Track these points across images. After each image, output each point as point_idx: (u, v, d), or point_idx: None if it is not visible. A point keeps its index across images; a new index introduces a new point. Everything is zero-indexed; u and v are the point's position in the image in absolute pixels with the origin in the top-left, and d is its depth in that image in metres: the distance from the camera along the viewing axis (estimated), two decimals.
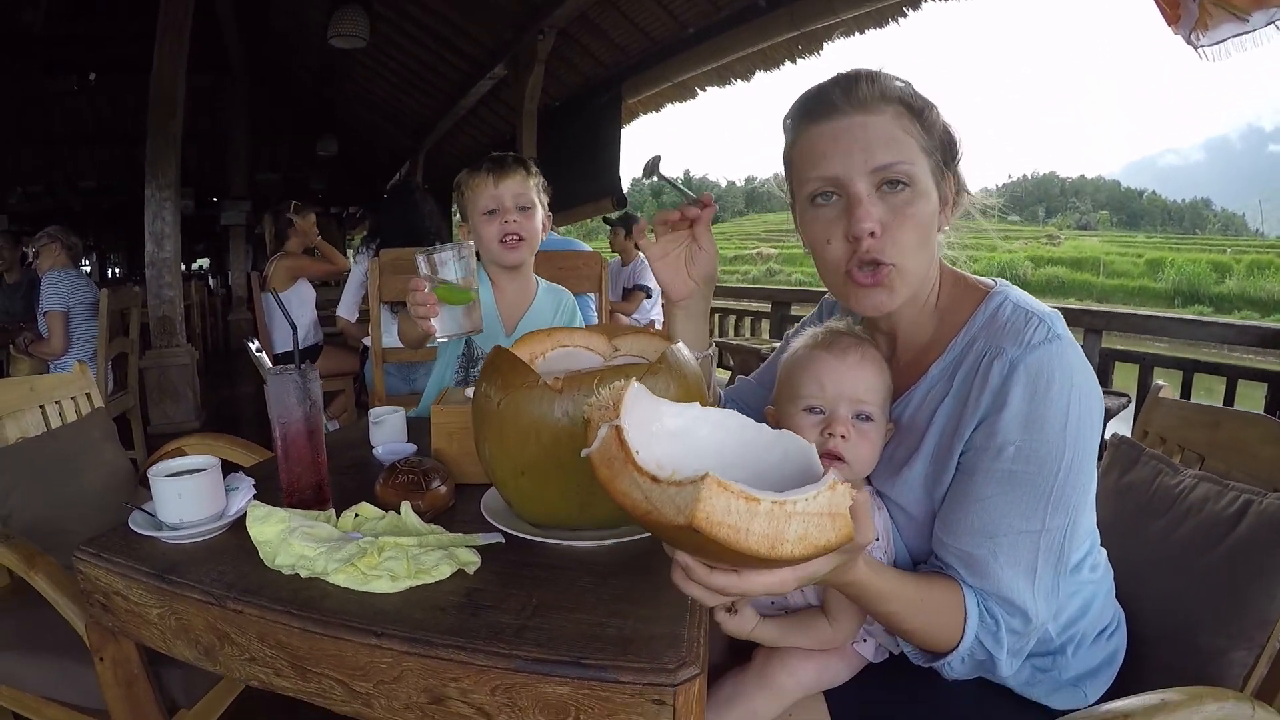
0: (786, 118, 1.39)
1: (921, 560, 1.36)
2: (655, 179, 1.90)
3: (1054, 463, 1.18)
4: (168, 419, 7.06)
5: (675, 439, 1.02)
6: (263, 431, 1.61)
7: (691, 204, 1.61)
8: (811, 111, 1.31)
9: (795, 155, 1.36)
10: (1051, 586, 1.23)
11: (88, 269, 18.43)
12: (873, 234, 1.25)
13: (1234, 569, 1.46)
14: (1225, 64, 3.17)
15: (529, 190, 2.51)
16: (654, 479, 0.85)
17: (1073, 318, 5.21)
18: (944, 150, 1.32)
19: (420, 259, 1.89)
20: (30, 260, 5.74)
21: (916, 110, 1.28)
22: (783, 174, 1.44)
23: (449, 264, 1.87)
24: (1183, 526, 1.60)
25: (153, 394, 7.02)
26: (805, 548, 0.84)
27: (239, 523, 1.42)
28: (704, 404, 1.31)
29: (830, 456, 1.32)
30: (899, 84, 1.29)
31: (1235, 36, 3.10)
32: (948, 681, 1.31)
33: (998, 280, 1.39)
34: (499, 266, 2.57)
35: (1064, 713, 1.25)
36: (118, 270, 25.27)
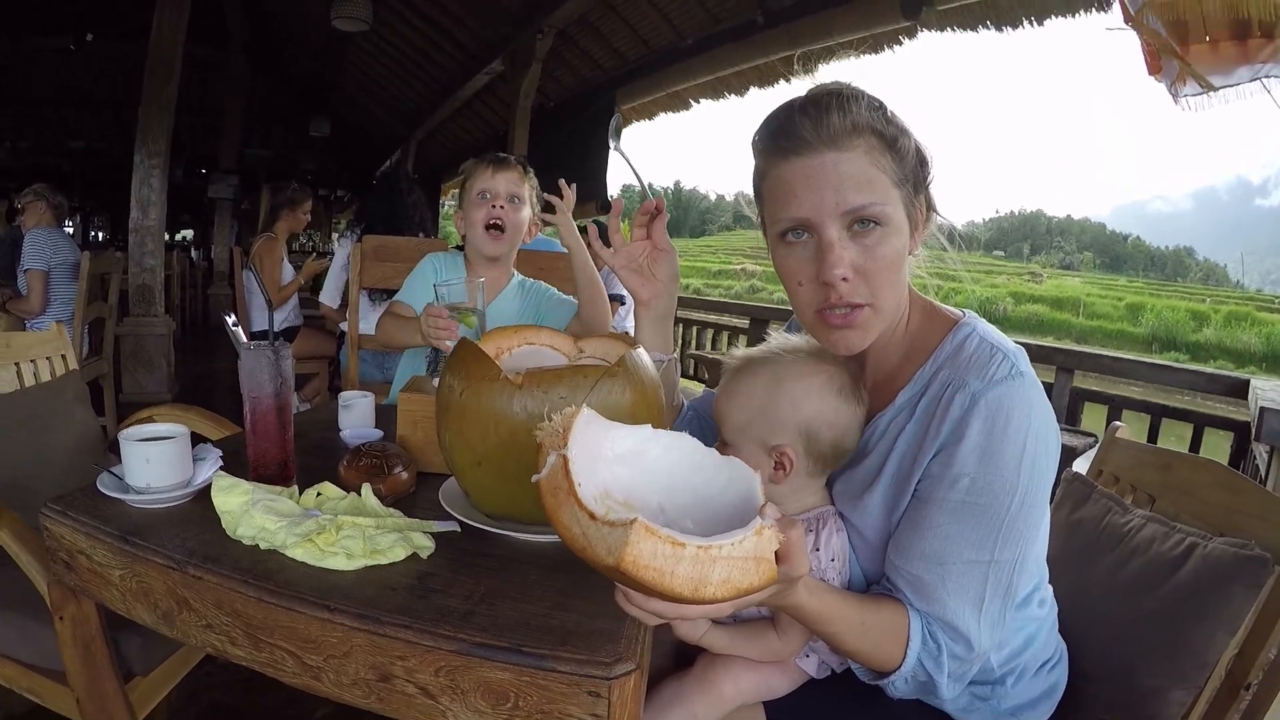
0: (756, 139, 1.37)
1: (877, 582, 1.37)
2: (614, 147, 2.01)
3: (1007, 497, 1.20)
4: (140, 388, 7.03)
5: (626, 462, 1.06)
6: (234, 407, 1.64)
7: (649, 204, 1.66)
8: (782, 147, 1.28)
9: (765, 189, 1.34)
10: (998, 617, 1.25)
11: (70, 230, 18.26)
12: (845, 279, 1.25)
13: (1176, 610, 1.48)
14: (1217, 116, 3.26)
15: (522, 187, 2.66)
16: (591, 515, 0.88)
17: (1045, 355, 5.26)
18: (915, 176, 1.30)
19: (438, 289, 2.03)
20: (16, 218, 5.72)
21: (889, 140, 1.25)
22: (752, 196, 1.43)
23: (463, 294, 2.03)
24: (1129, 565, 1.62)
25: (127, 362, 6.98)
26: (728, 590, 0.88)
27: (203, 492, 1.44)
28: (660, 408, 1.36)
29: None
30: (870, 110, 1.25)
31: (1218, 90, 3.19)
32: (887, 703, 1.34)
33: (966, 312, 1.39)
34: (479, 254, 2.69)
35: None
36: (101, 234, 25.00)
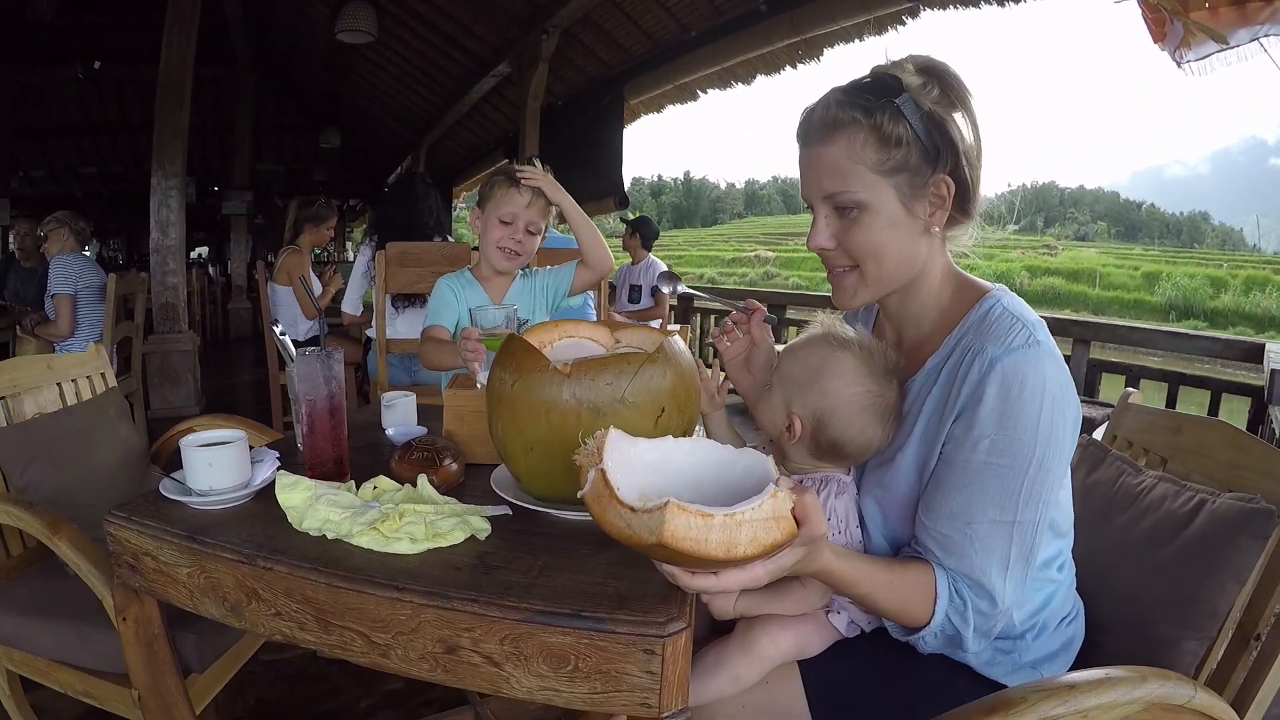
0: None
1: (905, 543, 1.45)
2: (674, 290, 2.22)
3: (1025, 459, 1.27)
4: (168, 403, 7.14)
5: (656, 469, 1.20)
6: (262, 418, 1.71)
7: (740, 311, 1.76)
8: (797, 135, 1.46)
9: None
10: (1021, 576, 1.33)
11: (89, 254, 18.31)
12: (824, 248, 1.45)
13: (1187, 563, 1.54)
14: (1230, 76, 3.30)
15: (542, 221, 2.81)
16: (631, 509, 1.03)
17: (1061, 328, 5.28)
18: (920, 163, 1.37)
19: (474, 314, 2.17)
20: (40, 245, 5.79)
21: (880, 134, 1.35)
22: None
23: (498, 323, 2.14)
24: (1142, 523, 1.67)
25: (154, 378, 7.11)
26: (756, 547, 1.02)
27: (262, 491, 1.53)
28: (697, 391, 1.45)
29: None
30: (853, 109, 1.36)
31: (1218, 52, 3.23)
32: (913, 659, 1.42)
33: (997, 285, 1.47)
34: (491, 265, 2.84)
35: None
36: (117, 256, 25.05)
